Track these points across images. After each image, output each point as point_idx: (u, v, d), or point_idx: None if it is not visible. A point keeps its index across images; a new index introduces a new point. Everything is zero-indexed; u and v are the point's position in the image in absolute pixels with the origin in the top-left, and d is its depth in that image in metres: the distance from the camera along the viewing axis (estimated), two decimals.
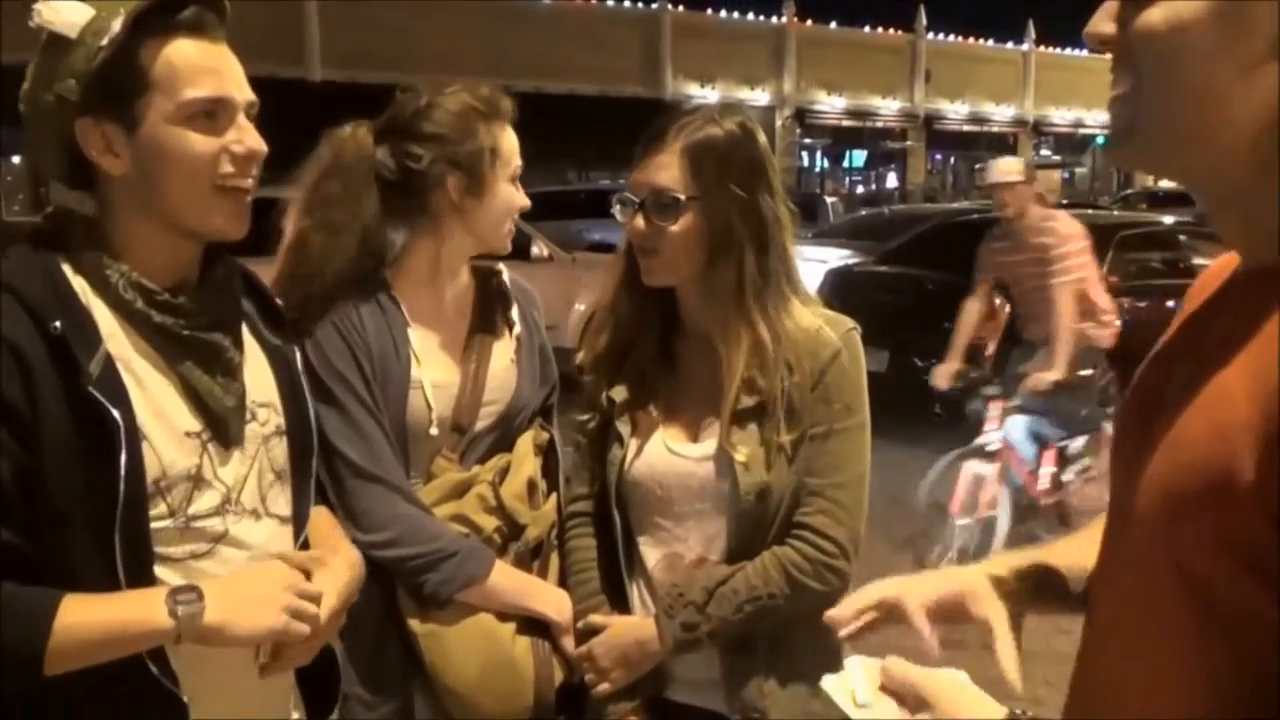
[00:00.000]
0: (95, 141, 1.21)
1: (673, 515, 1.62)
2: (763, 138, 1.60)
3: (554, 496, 1.82)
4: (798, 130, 29.69)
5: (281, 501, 1.40)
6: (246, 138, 1.27)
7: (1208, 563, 0.71)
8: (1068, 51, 34.77)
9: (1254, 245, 0.79)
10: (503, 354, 1.81)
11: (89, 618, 1.14)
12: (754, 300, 1.54)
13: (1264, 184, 0.75)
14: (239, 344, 1.35)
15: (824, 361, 1.55)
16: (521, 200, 1.77)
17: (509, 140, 1.74)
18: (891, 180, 32.83)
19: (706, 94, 27.49)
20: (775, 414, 1.53)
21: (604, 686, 1.63)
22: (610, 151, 19.24)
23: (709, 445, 1.58)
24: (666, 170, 1.52)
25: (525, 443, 1.79)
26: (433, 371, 1.73)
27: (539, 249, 9.24)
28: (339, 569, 1.38)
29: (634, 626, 1.62)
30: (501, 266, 1.89)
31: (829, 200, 19.47)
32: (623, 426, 1.63)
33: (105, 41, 1.17)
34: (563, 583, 1.75)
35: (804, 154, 31.17)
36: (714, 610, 1.54)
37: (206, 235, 1.30)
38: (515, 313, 1.85)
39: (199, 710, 1.25)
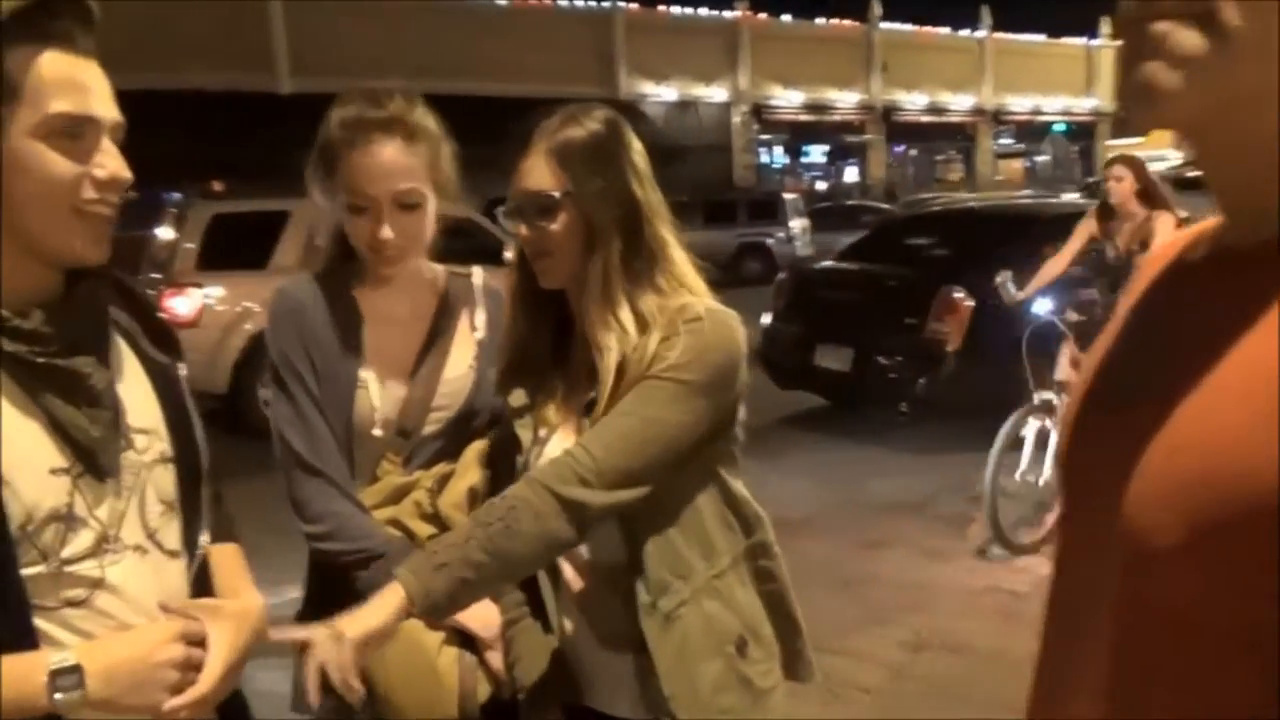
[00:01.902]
0: None
1: None
2: (627, 131, 1.61)
3: None
4: (755, 126, 29.71)
5: (173, 534, 1.32)
6: (109, 162, 1.20)
7: (1255, 578, 0.62)
8: (1024, 37, 35.04)
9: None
10: (462, 358, 1.82)
11: None
12: (621, 290, 1.53)
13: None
14: (105, 365, 1.25)
15: (678, 326, 1.50)
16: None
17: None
18: (851, 175, 32.92)
19: (661, 92, 27.53)
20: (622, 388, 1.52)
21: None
22: None
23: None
24: (536, 173, 1.54)
25: (474, 451, 1.78)
26: (380, 372, 1.76)
27: (512, 253, 9.17)
28: (238, 618, 1.31)
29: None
30: (475, 269, 1.91)
31: (788, 197, 19.42)
32: (522, 431, 1.63)
33: None
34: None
35: (762, 150, 31.17)
36: (462, 548, 1.43)
37: (63, 259, 1.22)
38: (480, 317, 1.86)
39: None
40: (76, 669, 1.13)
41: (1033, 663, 0.87)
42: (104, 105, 1.20)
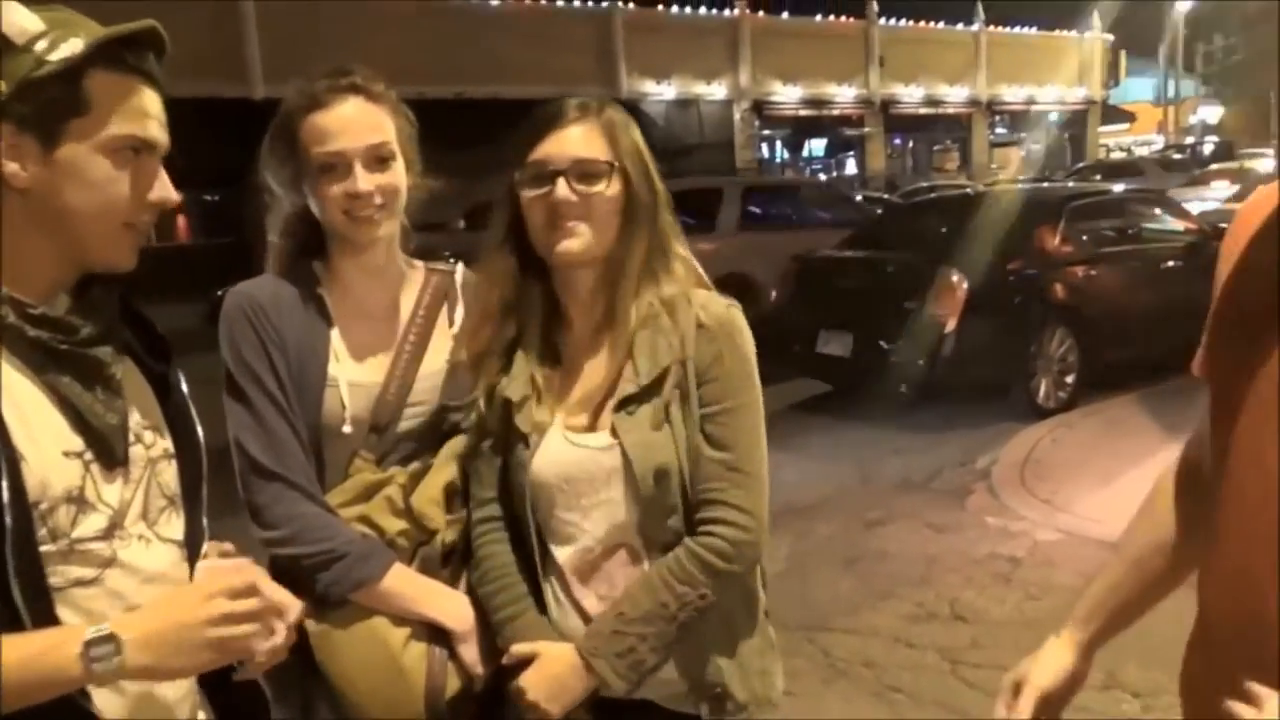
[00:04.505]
0: (5, 148, 1.17)
1: (579, 509, 1.58)
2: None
3: None
4: (756, 122, 29.76)
5: (175, 527, 1.34)
6: (161, 185, 1.27)
7: None
8: (1017, 30, 35.08)
9: None
10: (439, 354, 1.76)
11: None
12: (649, 278, 1.58)
13: None
14: (119, 362, 1.29)
15: (713, 339, 1.54)
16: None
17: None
18: (851, 167, 32.99)
19: (663, 90, 27.51)
20: (667, 394, 1.53)
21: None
22: None
23: (608, 433, 1.56)
24: (588, 142, 1.56)
25: (452, 447, 1.73)
26: (352, 370, 1.71)
27: (498, 235, 9.29)
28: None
29: (564, 654, 1.55)
30: (458, 266, 1.87)
31: None
32: (523, 425, 1.59)
33: (57, 57, 1.17)
34: (470, 591, 1.69)
35: (764, 145, 31.25)
36: (648, 630, 1.51)
37: (98, 265, 1.26)
38: (460, 313, 1.80)
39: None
40: (112, 637, 1.09)
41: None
42: (161, 132, 1.26)
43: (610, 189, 1.55)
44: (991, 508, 5.51)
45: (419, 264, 1.86)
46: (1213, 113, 43.17)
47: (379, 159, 1.68)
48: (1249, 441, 0.96)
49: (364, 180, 1.66)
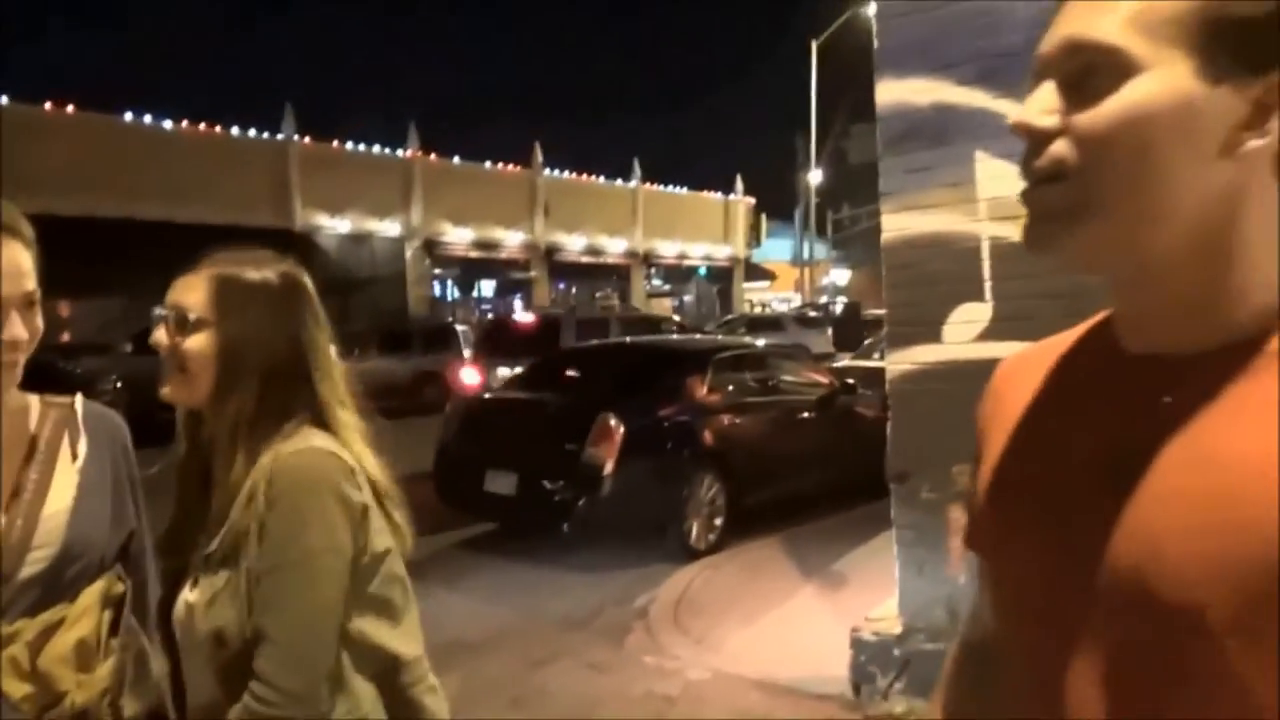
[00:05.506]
0: None
1: (189, 665, 1.55)
2: (303, 279, 1.65)
3: (115, 659, 1.63)
4: (427, 261, 30.04)
5: None
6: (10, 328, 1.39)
7: None
8: (670, 189, 38.06)
9: (1174, 331, 0.81)
10: (63, 493, 1.64)
11: None
12: (252, 430, 1.54)
13: (1197, 274, 0.79)
14: None
15: (268, 495, 1.49)
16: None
17: None
18: (518, 308, 33.90)
19: (337, 224, 27.23)
20: (234, 554, 1.49)
21: None
22: None
23: (195, 592, 1.53)
24: (194, 292, 1.58)
25: (91, 595, 1.61)
26: None
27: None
28: None
29: None
30: (77, 396, 1.78)
31: (460, 329, 19.78)
32: (171, 577, 1.60)
33: None
34: None
35: (436, 283, 31.51)
36: None
37: None
38: (83, 446, 1.70)
39: None
40: None
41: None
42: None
43: (200, 339, 1.56)
44: (649, 647, 5.68)
45: (33, 397, 1.73)
46: (842, 275, 48.40)
47: (30, 304, 1.62)
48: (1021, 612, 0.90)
49: (20, 328, 1.59)
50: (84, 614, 1.60)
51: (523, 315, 19.25)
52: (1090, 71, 0.78)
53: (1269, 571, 0.70)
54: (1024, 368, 0.96)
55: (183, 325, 1.55)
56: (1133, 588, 0.77)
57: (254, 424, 1.54)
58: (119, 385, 12.40)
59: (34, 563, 1.59)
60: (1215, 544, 0.73)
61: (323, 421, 1.58)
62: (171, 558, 1.64)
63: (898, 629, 4.52)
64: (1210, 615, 0.72)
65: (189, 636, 1.54)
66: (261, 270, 1.60)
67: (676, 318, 22.65)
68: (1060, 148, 0.79)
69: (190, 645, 1.54)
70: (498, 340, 16.04)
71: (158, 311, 1.58)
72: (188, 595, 1.54)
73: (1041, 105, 0.80)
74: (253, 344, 1.56)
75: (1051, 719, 0.83)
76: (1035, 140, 0.81)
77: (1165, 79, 0.76)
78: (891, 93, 4.44)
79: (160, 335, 1.56)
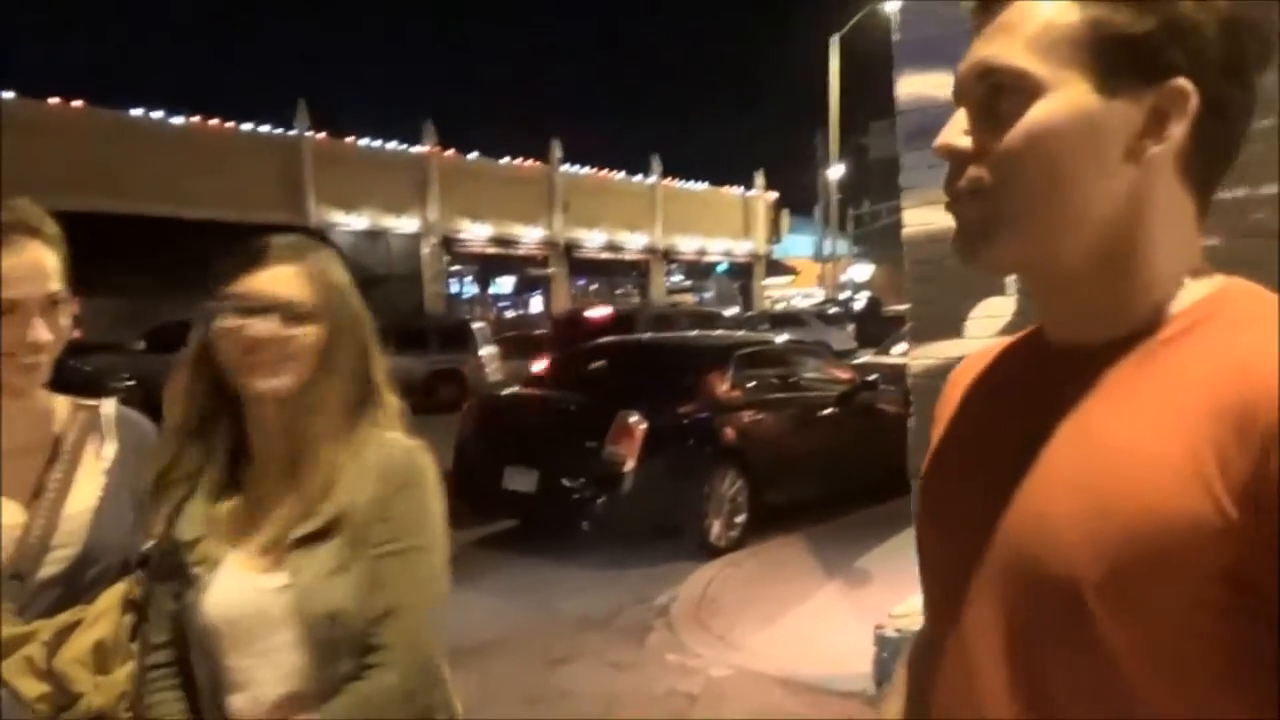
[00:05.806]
0: None
1: (252, 654, 1.52)
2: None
3: (135, 663, 1.63)
4: (445, 257, 30.08)
5: None
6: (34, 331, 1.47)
7: (1186, 618, 0.75)
8: (689, 184, 37.96)
9: (1084, 325, 0.88)
10: (86, 494, 1.66)
11: None
12: (342, 419, 1.56)
13: (1105, 273, 0.85)
14: None
15: (389, 481, 1.54)
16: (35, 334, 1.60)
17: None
18: (537, 305, 33.92)
19: (352, 221, 27.31)
20: (346, 535, 1.51)
21: None
22: None
23: (285, 574, 1.52)
24: (292, 283, 1.55)
25: (110, 597, 1.61)
26: None
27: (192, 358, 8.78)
28: None
29: None
30: (105, 400, 1.80)
31: (476, 326, 19.80)
32: (197, 567, 1.54)
33: None
34: None
35: (452, 280, 31.55)
36: None
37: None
38: (110, 449, 1.72)
39: None
40: None
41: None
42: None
43: (309, 331, 1.55)
44: (670, 644, 5.67)
45: (62, 398, 1.75)
46: (863, 271, 48.23)
47: (54, 305, 1.62)
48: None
49: (42, 330, 1.59)
50: (102, 616, 1.60)
51: (597, 310, 19.65)
52: (999, 93, 0.85)
53: (1134, 544, 0.75)
54: (973, 365, 1.03)
55: (294, 318, 1.53)
56: (1026, 565, 0.83)
57: (349, 410, 1.57)
58: (132, 383, 12.38)
59: (54, 563, 1.60)
60: (1093, 523, 0.78)
61: (377, 404, 1.61)
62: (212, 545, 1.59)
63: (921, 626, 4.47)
64: (1085, 589, 0.78)
65: (268, 620, 1.51)
66: (337, 260, 1.64)
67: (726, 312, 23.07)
68: (976, 168, 0.85)
69: (268, 628, 1.51)
70: (573, 335, 15.94)
71: (236, 305, 1.52)
72: (263, 579, 1.52)
73: (960, 127, 0.87)
74: (348, 333, 1.59)
75: (966, 696, 0.89)
76: (956, 161, 0.87)
77: (1066, 98, 0.82)
78: (912, 87, 4.41)
79: (262, 327, 1.50)
